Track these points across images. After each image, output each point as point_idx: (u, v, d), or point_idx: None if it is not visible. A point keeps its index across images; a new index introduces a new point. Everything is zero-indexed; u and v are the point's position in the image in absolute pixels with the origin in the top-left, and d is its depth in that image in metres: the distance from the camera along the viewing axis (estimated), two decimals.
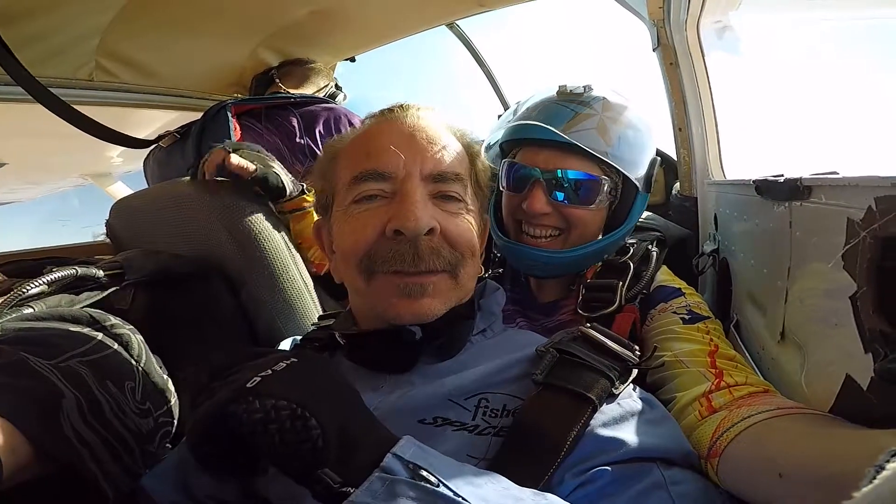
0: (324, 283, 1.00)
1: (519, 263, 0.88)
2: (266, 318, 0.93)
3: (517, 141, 0.86)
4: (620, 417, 0.48)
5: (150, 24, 1.37)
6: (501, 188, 0.88)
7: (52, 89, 1.24)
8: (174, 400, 0.66)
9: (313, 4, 1.50)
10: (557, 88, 0.86)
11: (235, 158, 0.88)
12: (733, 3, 1.14)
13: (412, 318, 0.53)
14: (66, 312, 0.68)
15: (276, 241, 0.90)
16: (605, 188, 0.81)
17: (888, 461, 0.24)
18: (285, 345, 0.72)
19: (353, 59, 1.84)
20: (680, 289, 0.78)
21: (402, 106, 0.63)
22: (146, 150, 1.46)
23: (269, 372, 0.40)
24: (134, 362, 0.65)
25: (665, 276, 0.82)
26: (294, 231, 0.96)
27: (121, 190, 2.31)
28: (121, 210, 1.11)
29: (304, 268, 0.96)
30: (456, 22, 1.86)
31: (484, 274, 0.95)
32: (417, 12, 1.70)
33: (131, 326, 0.71)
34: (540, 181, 0.80)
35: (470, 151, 0.64)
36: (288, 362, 0.41)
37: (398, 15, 1.70)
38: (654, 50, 1.26)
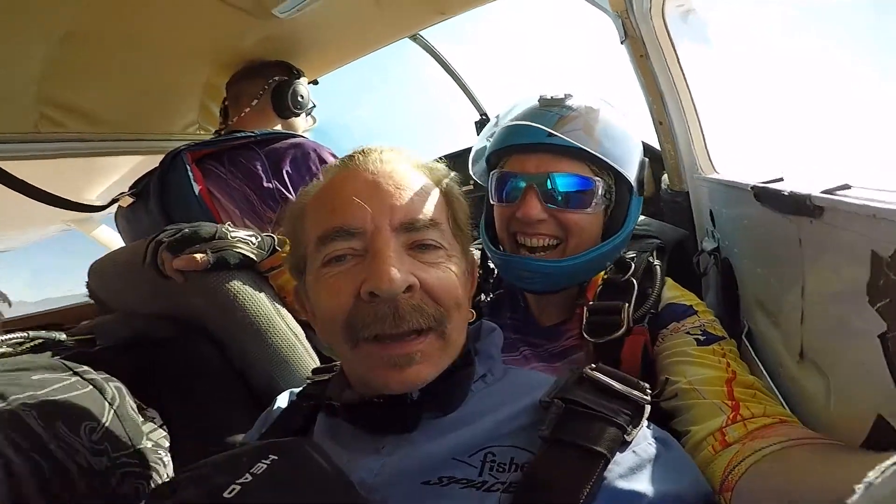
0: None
1: (517, 278, 0.83)
2: (261, 373, 0.89)
3: (504, 150, 0.83)
4: (636, 467, 0.45)
5: (86, 65, 1.28)
6: (492, 202, 0.84)
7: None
8: (148, 445, 0.71)
9: (261, 31, 1.40)
10: (538, 97, 0.83)
11: (180, 263, 0.81)
12: None
13: (401, 388, 0.51)
14: (45, 362, 0.71)
15: (259, 300, 0.86)
16: (600, 190, 0.78)
17: (878, 477, 0.24)
18: (282, 399, 0.69)
19: (315, 83, 1.76)
20: (692, 306, 0.75)
21: (363, 151, 0.59)
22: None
23: (248, 477, 0.35)
24: (107, 404, 0.69)
25: (674, 292, 0.79)
26: (276, 287, 0.91)
27: (105, 233, 2.22)
28: (96, 273, 1.06)
29: (292, 319, 0.91)
30: (419, 33, 1.81)
31: (483, 299, 0.93)
32: (377, 28, 1.64)
33: (107, 375, 0.73)
34: (532, 186, 0.77)
35: (444, 190, 0.59)
36: (268, 462, 0.37)
37: (357, 33, 1.63)
38: (622, 43, 1.23)
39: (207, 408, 0.84)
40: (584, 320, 0.77)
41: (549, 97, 0.82)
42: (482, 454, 0.48)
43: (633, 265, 0.81)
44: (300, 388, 0.70)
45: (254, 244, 0.87)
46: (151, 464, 0.71)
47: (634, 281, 0.78)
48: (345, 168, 0.57)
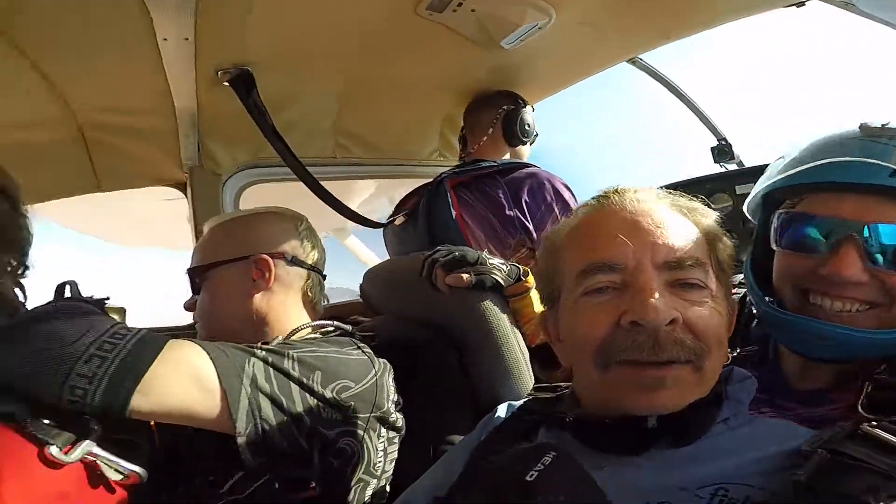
0: (535, 354, 1.06)
1: (799, 342, 0.71)
2: (489, 382, 1.03)
3: (798, 188, 0.69)
4: None
5: (364, 100, 1.61)
6: (775, 247, 0.72)
7: (308, 168, 1.46)
8: (390, 418, 0.89)
9: (490, 62, 1.54)
10: (859, 125, 0.68)
11: (451, 279, 0.98)
12: None
13: (648, 410, 0.52)
14: (338, 339, 0.93)
15: (502, 319, 1.00)
16: None
17: None
18: (502, 410, 0.74)
19: (532, 109, 1.88)
20: None
21: (616, 191, 0.61)
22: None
23: (541, 466, 0.41)
24: (373, 371, 0.87)
25: None
26: (513, 309, 1.04)
27: (354, 243, 2.76)
28: (371, 278, 1.34)
29: (522, 340, 1.03)
30: (638, 56, 1.75)
31: (734, 353, 0.85)
32: (595, 53, 1.65)
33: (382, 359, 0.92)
34: (855, 238, 0.63)
35: (705, 230, 0.59)
36: (551, 457, 0.43)
37: (575, 59, 1.67)
38: None
39: (442, 408, 1.00)
40: (864, 393, 0.63)
41: (875, 125, 0.66)
42: (713, 488, 0.47)
43: None
44: (520, 402, 0.74)
45: (504, 271, 1.01)
46: (376, 431, 0.86)
47: None
48: (601, 207, 0.61)
